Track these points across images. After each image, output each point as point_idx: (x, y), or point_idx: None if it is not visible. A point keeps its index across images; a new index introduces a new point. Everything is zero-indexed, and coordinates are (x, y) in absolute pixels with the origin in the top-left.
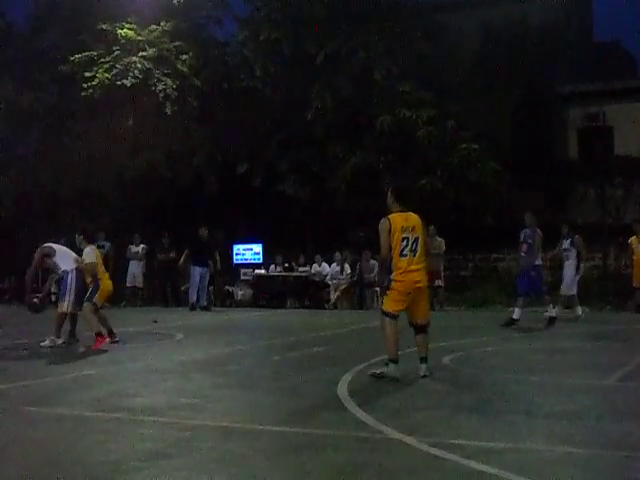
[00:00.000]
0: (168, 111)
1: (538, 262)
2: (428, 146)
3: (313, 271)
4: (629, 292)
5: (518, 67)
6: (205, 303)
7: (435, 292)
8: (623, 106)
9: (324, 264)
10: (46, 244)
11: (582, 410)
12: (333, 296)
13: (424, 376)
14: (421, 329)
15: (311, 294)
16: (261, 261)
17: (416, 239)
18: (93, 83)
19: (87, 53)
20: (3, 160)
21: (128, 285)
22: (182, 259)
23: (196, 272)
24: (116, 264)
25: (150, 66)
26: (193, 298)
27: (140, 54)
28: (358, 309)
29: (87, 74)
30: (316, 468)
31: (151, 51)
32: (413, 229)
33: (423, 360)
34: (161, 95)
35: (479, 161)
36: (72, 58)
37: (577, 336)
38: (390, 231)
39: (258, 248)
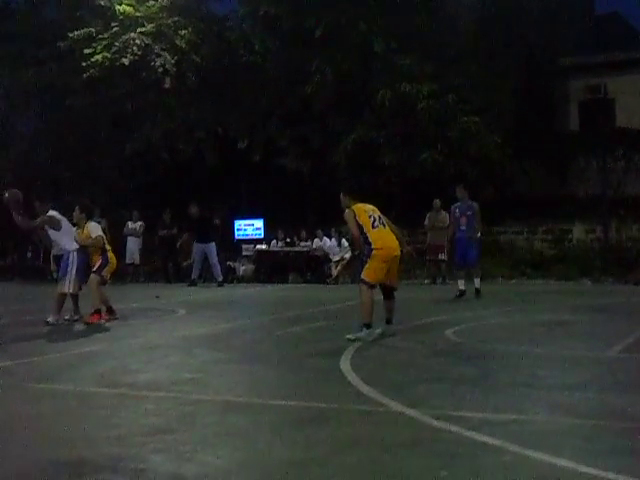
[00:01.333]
0: (167, 86)
1: (478, 235)
2: (429, 120)
3: (314, 246)
4: (631, 264)
5: (519, 40)
6: (221, 278)
7: (438, 265)
8: (624, 78)
9: (325, 239)
10: (56, 214)
11: (584, 382)
12: (334, 271)
13: (391, 335)
14: (391, 294)
15: (313, 269)
16: (262, 236)
17: (379, 216)
18: (92, 61)
19: (85, 30)
20: (2, 138)
21: (127, 262)
22: (182, 239)
23: (195, 248)
24: (114, 240)
25: (149, 42)
26: (195, 274)
27: (138, 30)
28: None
29: (86, 51)
30: (319, 441)
31: (149, 27)
32: (374, 210)
33: (389, 321)
34: (160, 71)
35: (480, 134)
36: (70, 35)
37: (578, 308)
38: (355, 216)
39: (259, 223)
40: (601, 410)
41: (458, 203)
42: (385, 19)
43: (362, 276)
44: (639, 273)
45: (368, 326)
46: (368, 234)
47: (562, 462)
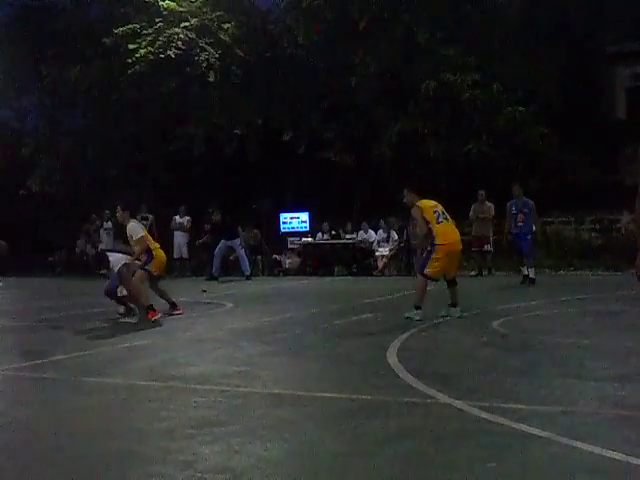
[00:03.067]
0: (211, 79)
1: (534, 228)
2: (473, 110)
3: (360, 238)
4: None
5: (564, 28)
6: (248, 272)
7: (484, 257)
8: None
9: (371, 231)
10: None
11: (633, 373)
12: (380, 263)
13: (459, 317)
14: (454, 282)
15: (358, 261)
16: (308, 229)
17: (443, 211)
18: (137, 56)
19: (130, 26)
20: (50, 134)
21: (175, 257)
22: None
23: (220, 244)
24: (160, 235)
25: (193, 36)
26: (215, 270)
27: (182, 25)
28: (406, 275)
29: (131, 46)
30: (367, 433)
31: (193, 21)
32: (437, 205)
33: (455, 305)
34: (204, 65)
35: (526, 124)
36: (115, 31)
37: (627, 299)
38: (422, 212)
39: (305, 216)
40: None
41: (514, 200)
42: (429, 9)
43: (425, 271)
44: None
45: (418, 308)
46: (433, 229)
47: (611, 454)
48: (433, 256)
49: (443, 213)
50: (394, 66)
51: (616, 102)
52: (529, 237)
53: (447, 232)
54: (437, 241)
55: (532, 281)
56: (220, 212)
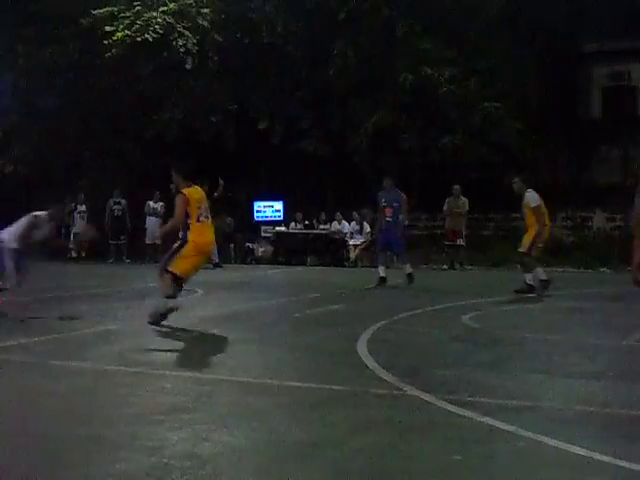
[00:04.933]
0: (188, 66)
1: (405, 222)
2: (450, 104)
3: (333, 229)
4: None
5: (543, 25)
6: (217, 260)
7: (456, 250)
8: None
9: (344, 222)
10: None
11: (600, 369)
12: (353, 254)
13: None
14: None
15: (331, 252)
16: (282, 218)
17: (206, 208)
18: (114, 39)
19: (108, 8)
20: (25, 116)
21: (148, 242)
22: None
23: None
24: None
25: (171, 21)
26: None
27: (161, 9)
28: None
29: (107, 28)
30: (334, 423)
31: (172, 6)
32: (202, 200)
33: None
34: (182, 50)
35: (502, 120)
36: (93, 12)
37: (597, 296)
38: (187, 203)
39: (279, 205)
40: (616, 398)
41: (384, 191)
42: (409, 2)
43: (171, 269)
44: None
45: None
46: (191, 225)
47: (576, 449)
48: (185, 250)
49: (206, 211)
50: (372, 57)
51: (592, 102)
52: (397, 233)
53: (202, 231)
54: (190, 237)
55: (411, 277)
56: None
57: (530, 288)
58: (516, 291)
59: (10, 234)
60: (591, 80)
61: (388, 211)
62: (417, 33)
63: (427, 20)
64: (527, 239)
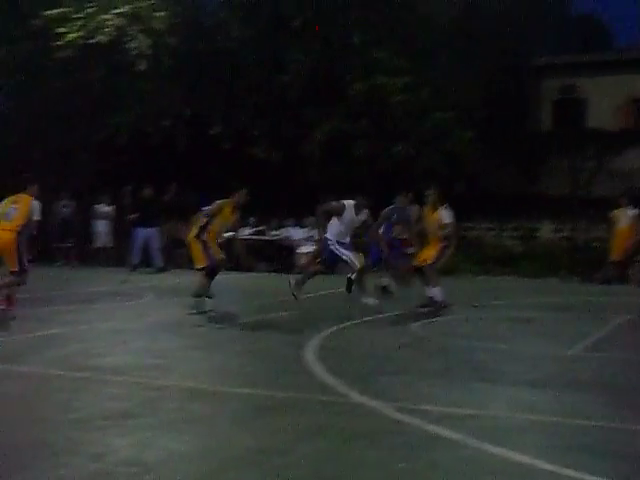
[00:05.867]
0: (142, 68)
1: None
2: (402, 113)
3: (284, 235)
4: (597, 264)
5: (494, 37)
6: (162, 264)
7: None
8: (597, 79)
9: (296, 228)
10: None
11: (546, 379)
12: (302, 261)
13: None
14: None
15: (282, 258)
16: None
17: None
18: (66, 40)
19: (60, 10)
20: None
21: (99, 245)
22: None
23: (139, 233)
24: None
25: (124, 23)
26: (135, 260)
27: (114, 11)
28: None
29: (60, 30)
30: (280, 430)
31: (126, 7)
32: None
33: None
34: (134, 53)
35: (452, 130)
36: (45, 14)
37: (544, 306)
38: None
39: None
40: (560, 407)
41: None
42: (363, 12)
43: None
44: (605, 273)
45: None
46: None
47: (520, 458)
48: None
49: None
50: (326, 66)
51: (542, 114)
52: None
53: None
54: None
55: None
56: (151, 189)
57: (432, 301)
58: (420, 306)
59: None
60: (542, 93)
61: (398, 228)
62: (371, 42)
63: (381, 29)
64: (432, 252)
